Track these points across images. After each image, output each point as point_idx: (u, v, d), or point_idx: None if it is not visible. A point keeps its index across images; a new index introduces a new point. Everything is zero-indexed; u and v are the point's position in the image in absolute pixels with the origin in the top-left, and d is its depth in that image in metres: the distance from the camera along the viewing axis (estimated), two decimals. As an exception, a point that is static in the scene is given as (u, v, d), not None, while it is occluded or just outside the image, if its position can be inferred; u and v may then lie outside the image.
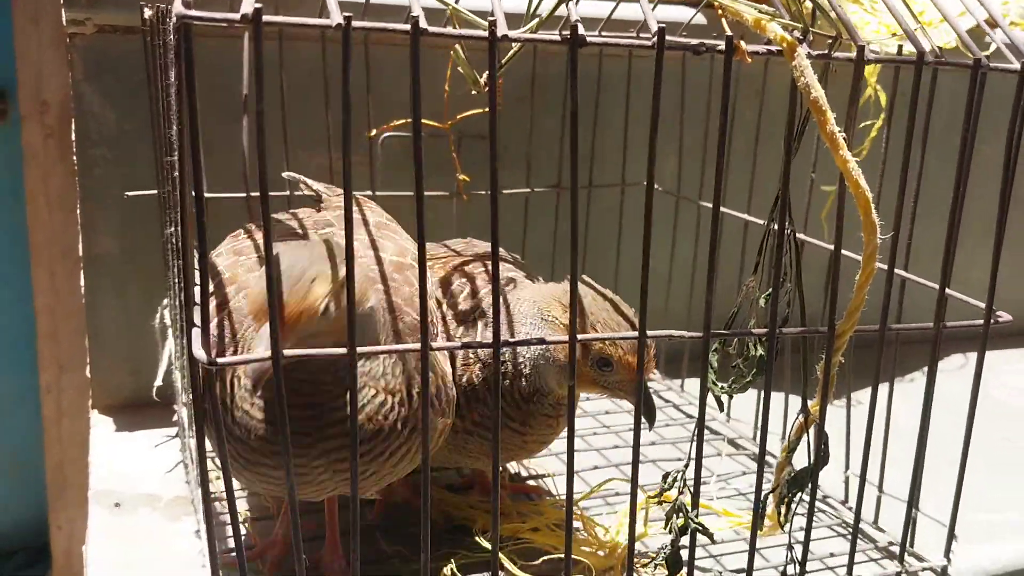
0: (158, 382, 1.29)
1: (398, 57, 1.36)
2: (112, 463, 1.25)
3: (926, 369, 0.94)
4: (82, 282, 1.36)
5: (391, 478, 0.89)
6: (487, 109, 1.28)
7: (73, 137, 1.29)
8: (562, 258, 1.44)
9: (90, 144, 1.29)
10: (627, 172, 1.53)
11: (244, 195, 1.27)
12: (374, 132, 1.30)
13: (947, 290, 0.90)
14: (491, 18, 0.65)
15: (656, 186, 1.51)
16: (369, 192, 1.33)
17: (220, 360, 0.67)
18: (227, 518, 0.72)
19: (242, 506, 1.12)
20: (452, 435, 0.95)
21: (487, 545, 0.91)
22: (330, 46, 1.28)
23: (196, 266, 0.66)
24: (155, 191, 1.20)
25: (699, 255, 1.47)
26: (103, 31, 1.24)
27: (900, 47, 0.99)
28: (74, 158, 1.30)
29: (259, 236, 0.95)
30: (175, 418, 1.31)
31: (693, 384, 1.54)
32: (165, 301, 1.27)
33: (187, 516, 1.12)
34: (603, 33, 1.39)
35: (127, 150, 1.30)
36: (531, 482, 1.21)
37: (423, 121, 1.29)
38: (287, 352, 0.68)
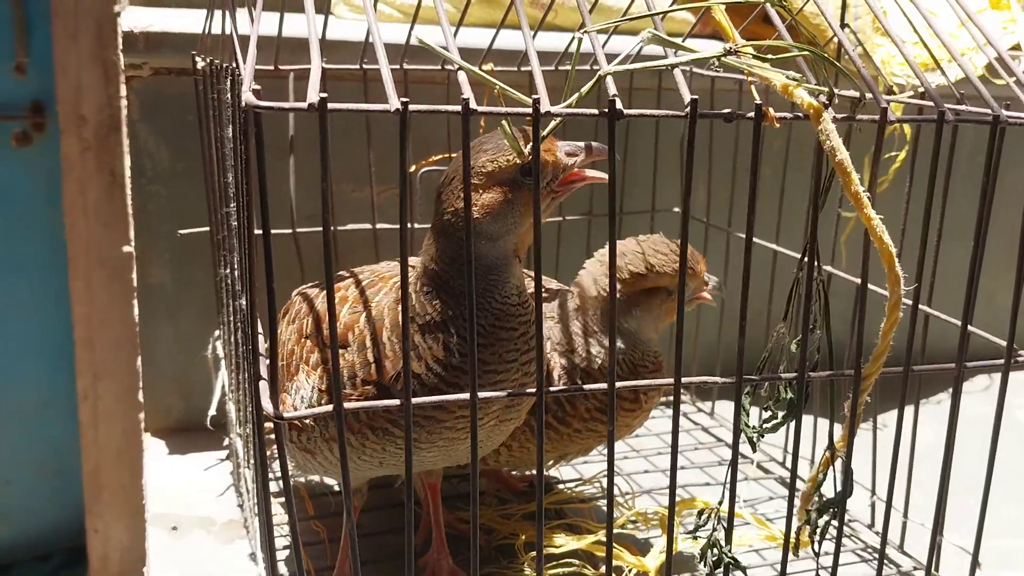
0: (212, 411, 1.35)
1: (438, 92, 1.41)
2: (167, 486, 1.31)
3: (951, 391, 0.98)
4: (136, 311, 1.42)
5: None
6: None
7: (128, 175, 1.35)
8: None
9: (146, 181, 1.35)
10: (657, 199, 1.58)
11: (291, 231, 1.33)
12: (413, 168, 1.35)
13: (969, 327, 0.93)
14: (535, 96, 0.70)
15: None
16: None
17: (287, 415, 0.72)
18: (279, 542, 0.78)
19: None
20: (557, 436, 1.09)
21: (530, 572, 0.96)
22: (372, 85, 1.34)
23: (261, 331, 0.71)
24: (207, 228, 1.26)
25: (729, 283, 1.51)
26: (158, 73, 1.30)
27: (923, 92, 1.02)
28: (127, 192, 1.36)
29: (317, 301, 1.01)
30: (226, 442, 1.37)
31: (722, 407, 1.59)
32: (217, 332, 1.33)
33: (240, 539, 1.18)
34: (634, 99, 1.44)
35: (179, 187, 1.36)
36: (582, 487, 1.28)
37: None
38: (347, 405, 0.73)
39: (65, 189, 2.16)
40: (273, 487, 1.29)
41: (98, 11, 1.30)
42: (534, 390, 0.77)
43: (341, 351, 0.91)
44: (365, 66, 1.31)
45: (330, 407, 0.72)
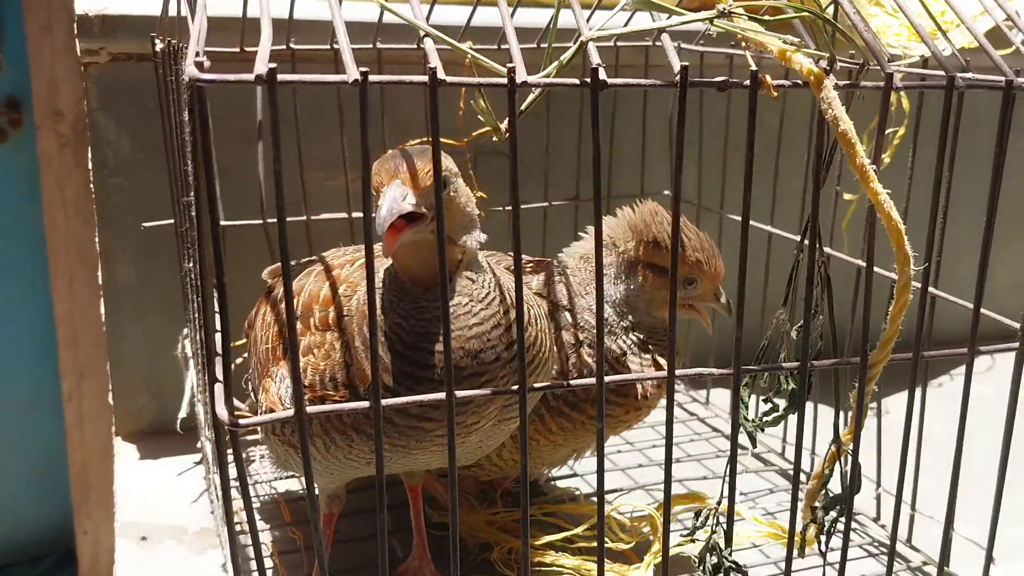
0: (182, 414, 1.28)
1: (414, 72, 1.34)
2: (137, 494, 1.25)
3: (953, 373, 0.92)
4: (102, 309, 1.35)
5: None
6: (503, 125, 1.29)
7: (90, 166, 1.28)
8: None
9: (107, 172, 1.28)
10: (645, 182, 1.52)
11: (261, 222, 1.27)
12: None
13: (981, 310, 0.87)
14: (510, 64, 0.63)
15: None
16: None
17: (244, 422, 0.66)
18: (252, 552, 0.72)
19: (266, 538, 1.11)
20: (571, 427, 1.01)
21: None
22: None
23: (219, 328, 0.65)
24: (171, 221, 1.19)
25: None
26: (117, 59, 1.23)
27: (924, 60, 0.97)
28: (91, 186, 1.29)
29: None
30: (199, 444, 1.31)
31: (717, 395, 1.53)
32: (185, 331, 1.27)
33: (213, 549, 1.12)
34: (620, 59, 1.38)
35: (142, 178, 1.29)
36: (561, 483, 1.22)
37: (444, 140, 1.30)
38: (310, 409, 0.67)
39: (44, 185, 2.10)
40: (252, 492, 1.23)
41: (71, 3, 1.23)
42: (516, 388, 0.71)
43: (321, 341, 0.85)
44: (336, 46, 1.24)
45: (291, 412, 0.66)
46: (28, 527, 2.43)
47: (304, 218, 1.30)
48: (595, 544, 0.77)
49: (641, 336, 1.04)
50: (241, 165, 1.28)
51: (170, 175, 1.13)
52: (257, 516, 1.17)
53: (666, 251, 1.01)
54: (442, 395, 0.69)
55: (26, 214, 2.20)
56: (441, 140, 1.28)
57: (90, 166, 1.27)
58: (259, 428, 0.97)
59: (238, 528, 1.11)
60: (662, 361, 1.03)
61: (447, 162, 0.80)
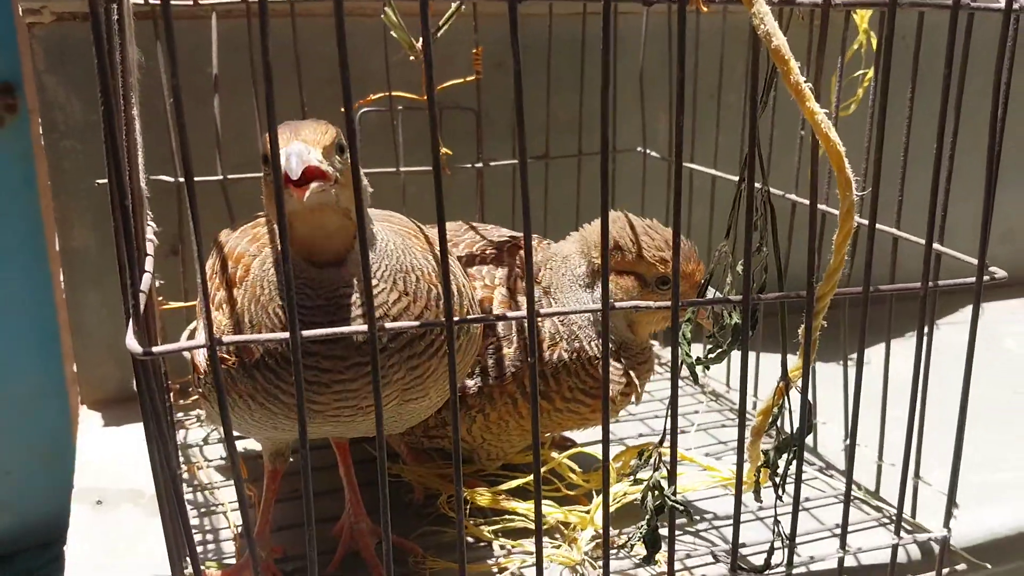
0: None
1: (373, 26, 1.31)
2: (98, 460, 1.23)
3: (940, 322, 0.89)
4: (62, 277, 1.33)
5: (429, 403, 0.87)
6: (468, 79, 1.26)
7: (41, 131, 1.26)
8: (554, 228, 1.40)
9: (58, 136, 1.26)
10: (617, 138, 1.49)
11: (219, 178, 1.24)
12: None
13: (936, 246, 0.85)
14: (419, -27, 0.61)
15: (649, 151, 1.48)
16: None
17: (156, 349, 0.64)
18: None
19: (224, 496, 1.10)
20: (543, 414, 1.02)
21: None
22: (301, 21, 1.24)
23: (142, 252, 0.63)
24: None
25: (693, 216, 1.43)
26: (62, 19, 1.21)
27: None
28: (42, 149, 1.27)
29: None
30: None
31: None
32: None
33: (170, 510, 1.10)
34: None
35: (96, 140, 1.26)
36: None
37: (401, 94, 1.27)
38: (225, 339, 0.65)
39: (39, 169, 2.09)
40: (217, 453, 1.21)
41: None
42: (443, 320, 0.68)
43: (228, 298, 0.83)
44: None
45: (202, 341, 0.64)
46: (37, 513, 2.44)
47: (262, 175, 1.27)
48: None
49: (613, 347, 1.04)
50: (197, 121, 1.25)
51: (105, 129, 1.10)
52: (220, 476, 1.16)
53: (627, 253, 1.01)
54: (363, 328, 0.67)
55: (25, 200, 2.19)
56: (403, 95, 1.27)
57: (41, 131, 1.25)
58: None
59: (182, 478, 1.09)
60: (633, 375, 1.03)
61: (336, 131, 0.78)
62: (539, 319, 0.97)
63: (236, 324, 0.81)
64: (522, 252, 1.05)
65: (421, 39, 0.62)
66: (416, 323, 0.76)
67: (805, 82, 0.68)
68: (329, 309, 0.77)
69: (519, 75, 0.65)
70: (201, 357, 0.88)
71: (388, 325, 0.69)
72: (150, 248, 0.81)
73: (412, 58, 0.70)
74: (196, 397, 1.35)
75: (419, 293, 0.81)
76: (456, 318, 0.72)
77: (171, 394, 1.09)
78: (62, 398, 2.27)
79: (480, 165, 1.37)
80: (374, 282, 0.78)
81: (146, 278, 0.72)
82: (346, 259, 0.78)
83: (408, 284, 0.81)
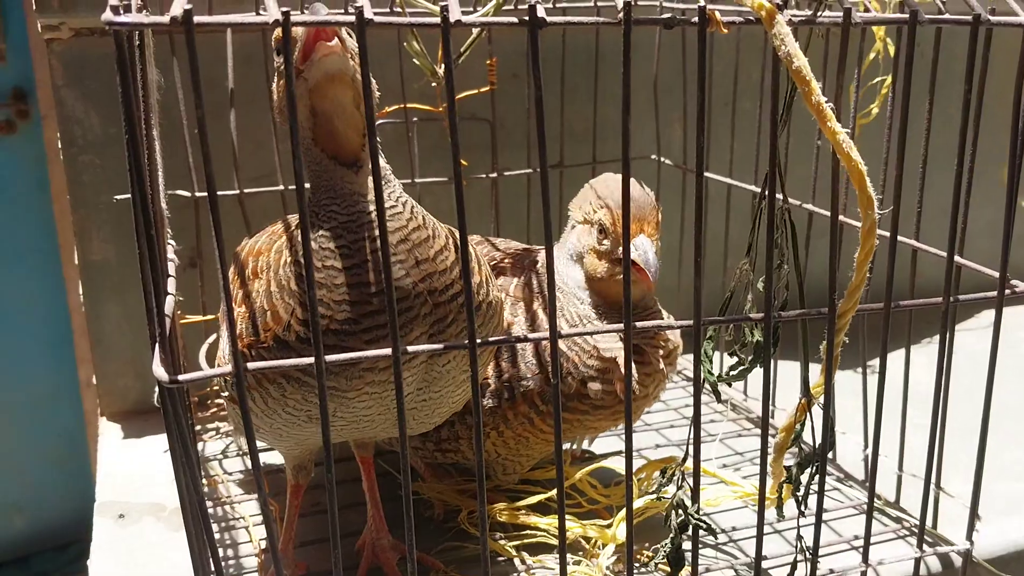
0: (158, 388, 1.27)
1: (389, 38, 1.31)
2: (119, 473, 1.24)
3: (956, 329, 0.89)
4: (80, 289, 1.34)
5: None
6: (483, 89, 1.26)
7: (59, 145, 1.26)
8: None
9: (77, 151, 1.26)
10: (632, 146, 1.48)
11: (236, 192, 1.25)
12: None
13: (957, 259, 0.84)
14: (443, 3, 0.61)
15: (664, 159, 1.47)
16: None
17: (182, 378, 0.64)
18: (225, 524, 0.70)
19: (244, 510, 1.10)
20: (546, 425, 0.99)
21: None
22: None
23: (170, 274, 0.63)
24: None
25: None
26: (79, 35, 1.21)
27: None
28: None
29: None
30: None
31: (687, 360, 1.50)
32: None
33: (191, 524, 1.11)
34: (564, 5, 1.34)
35: (115, 155, 1.27)
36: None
37: (417, 106, 1.27)
38: (251, 366, 0.65)
39: (52, 175, 2.09)
40: (236, 466, 1.21)
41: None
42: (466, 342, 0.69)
43: (248, 291, 0.83)
44: None
45: (229, 368, 0.64)
46: (52, 516, 2.45)
47: (280, 188, 1.28)
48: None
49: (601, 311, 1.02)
50: (213, 135, 1.26)
51: (127, 145, 1.11)
52: (240, 489, 1.16)
53: (589, 205, 1.02)
54: (387, 351, 0.67)
55: (38, 205, 2.20)
56: (418, 107, 1.27)
57: (59, 145, 1.26)
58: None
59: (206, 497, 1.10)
60: (619, 358, 0.98)
61: None
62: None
63: (262, 308, 0.81)
64: (537, 265, 1.05)
65: (443, 66, 0.62)
66: (440, 346, 0.75)
67: (827, 102, 0.68)
68: (350, 227, 0.78)
69: (540, 101, 0.65)
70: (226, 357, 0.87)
71: (420, 348, 0.69)
72: (171, 268, 0.82)
73: (434, 84, 0.70)
74: (215, 410, 1.36)
75: (437, 231, 0.82)
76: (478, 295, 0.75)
77: (190, 407, 1.09)
78: (76, 401, 2.28)
79: (495, 175, 1.38)
80: (391, 204, 0.80)
81: (169, 300, 0.73)
82: (360, 161, 0.80)
83: (427, 221, 0.82)
